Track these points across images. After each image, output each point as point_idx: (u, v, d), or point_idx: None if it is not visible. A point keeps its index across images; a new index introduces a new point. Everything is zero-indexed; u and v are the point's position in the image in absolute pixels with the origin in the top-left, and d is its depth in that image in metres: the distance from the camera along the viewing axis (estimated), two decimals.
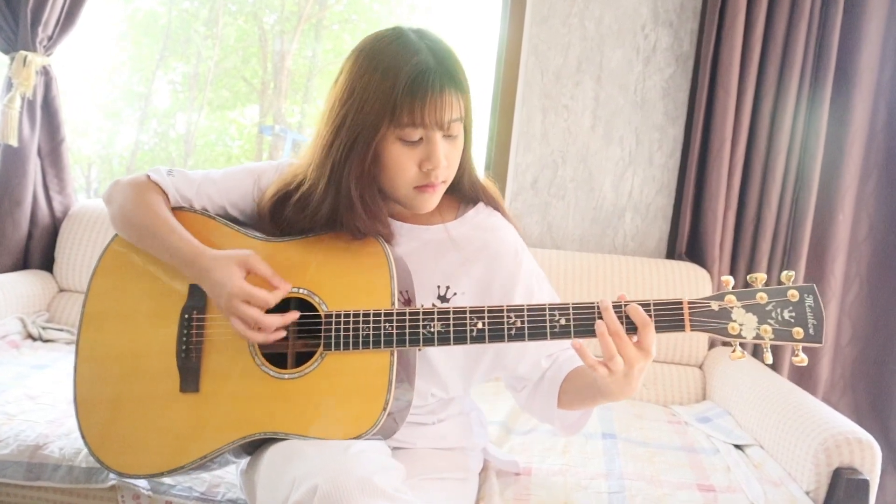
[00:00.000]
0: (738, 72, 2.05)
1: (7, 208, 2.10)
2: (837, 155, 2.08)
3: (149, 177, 1.17)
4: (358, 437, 0.97)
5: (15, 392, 1.53)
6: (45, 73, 2.14)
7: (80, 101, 3.51)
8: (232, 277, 1.01)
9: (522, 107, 2.25)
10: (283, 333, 1.03)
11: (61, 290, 2.17)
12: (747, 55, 2.05)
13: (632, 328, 0.96)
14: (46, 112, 2.17)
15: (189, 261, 1.06)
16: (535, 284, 1.18)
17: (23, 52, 2.06)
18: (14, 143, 2.07)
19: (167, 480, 1.27)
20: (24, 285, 2.04)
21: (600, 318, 0.96)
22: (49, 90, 2.16)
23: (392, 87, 0.97)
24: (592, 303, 0.98)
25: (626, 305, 0.96)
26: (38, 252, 2.19)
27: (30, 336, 1.96)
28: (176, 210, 1.16)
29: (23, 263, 2.18)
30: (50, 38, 2.11)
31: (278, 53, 3.58)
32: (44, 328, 2.00)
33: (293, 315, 1.03)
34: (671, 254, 2.26)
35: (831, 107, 2.06)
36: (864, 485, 1.30)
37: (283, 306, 1.07)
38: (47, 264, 2.19)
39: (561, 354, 1.17)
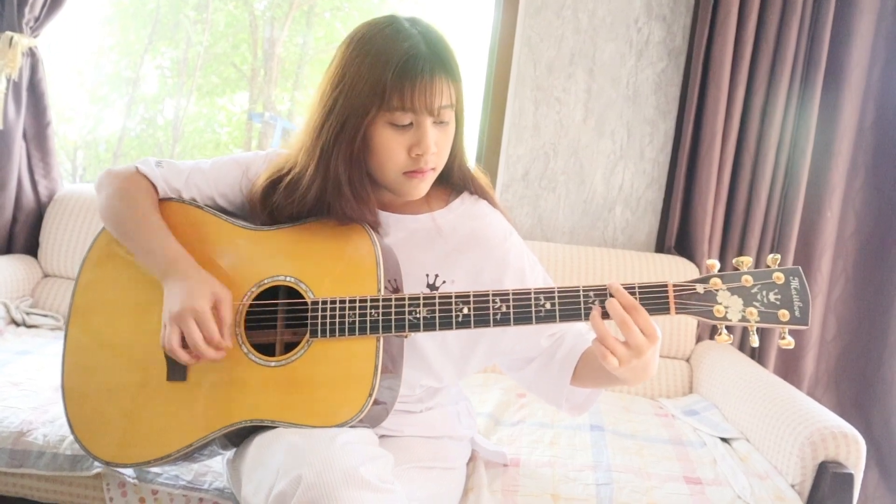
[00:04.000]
0: (730, 68, 2.06)
1: None
2: (826, 152, 2.09)
3: (138, 169, 1.16)
4: (344, 424, 0.97)
5: None
6: (32, 54, 2.11)
7: (66, 85, 3.46)
8: (202, 296, 1.00)
9: (514, 98, 2.25)
10: (193, 362, 1.02)
11: (46, 276, 2.14)
12: (739, 51, 2.06)
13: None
14: (32, 95, 2.13)
15: (168, 259, 1.05)
16: (527, 267, 1.17)
17: (9, 33, 2.02)
18: None
19: (154, 469, 1.26)
20: (7, 270, 2.01)
21: (609, 297, 0.95)
22: (35, 72, 2.13)
23: (382, 70, 0.97)
24: (577, 287, 0.97)
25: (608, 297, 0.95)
26: (23, 237, 2.16)
27: (13, 321, 1.94)
28: (165, 201, 1.15)
29: (6, 248, 2.15)
30: (37, 20, 2.08)
31: (269, 40, 3.55)
32: (27, 313, 1.97)
33: (221, 354, 1.01)
34: (660, 247, 2.27)
35: (821, 104, 2.07)
36: (849, 478, 1.31)
37: (272, 293, 1.07)
38: (32, 249, 2.16)
39: (566, 336, 1.15)
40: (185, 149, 3.67)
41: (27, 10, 2.03)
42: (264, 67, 3.60)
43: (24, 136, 2.14)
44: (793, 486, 1.36)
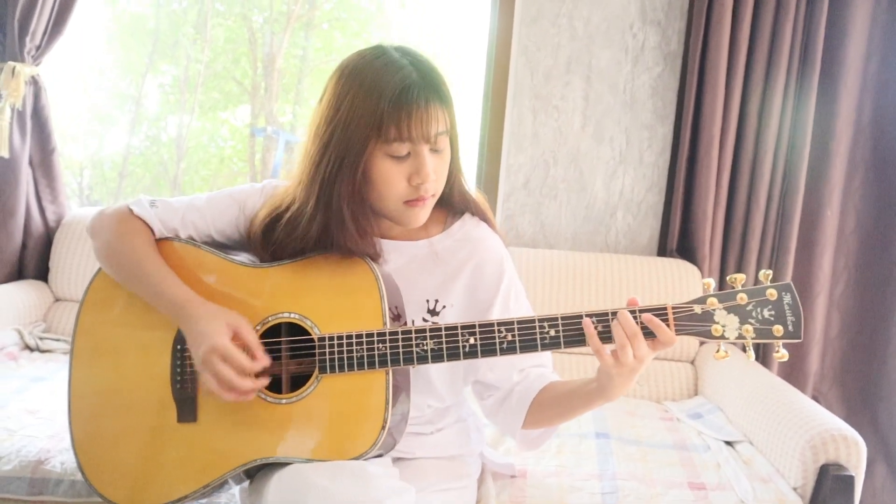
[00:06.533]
0: (726, 70, 2.07)
1: (0, 219, 2.10)
2: (824, 150, 2.10)
3: (131, 211, 1.15)
4: (360, 457, 0.98)
5: (14, 406, 1.55)
6: (35, 82, 2.14)
7: (70, 107, 3.50)
8: (217, 332, 1.00)
9: (513, 108, 2.27)
10: (251, 397, 1.02)
11: (57, 300, 2.18)
12: (734, 53, 2.07)
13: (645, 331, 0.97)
14: (37, 122, 2.17)
15: (178, 305, 1.05)
16: (512, 296, 1.18)
17: (11, 63, 2.05)
18: (5, 154, 2.07)
19: None
20: (19, 296, 2.05)
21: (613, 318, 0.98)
22: (38, 100, 2.16)
23: (377, 103, 0.99)
24: (579, 313, 0.99)
25: (640, 313, 0.98)
26: (33, 262, 2.19)
27: (27, 347, 1.97)
28: (163, 241, 1.15)
29: (18, 274, 2.18)
30: (38, 48, 2.11)
31: (268, 54, 3.58)
32: (41, 338, 2.01)
33: (263, 381, 1.02)
34: (662, 251, 2.29)
35: (818, 103, 2.08)
36: (850, 480, 1.33)
37: (275, 331, 1.08)
38: (42, 274, 2.19)
39: (532, 371, 1.17)
40: (189, 164, 3.71)
41: (28, 39, 2.06)
42: (265, 81, 3.63)
43: (31, 162, 2.17)
44: (795, 489, 1.38)
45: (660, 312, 0.98)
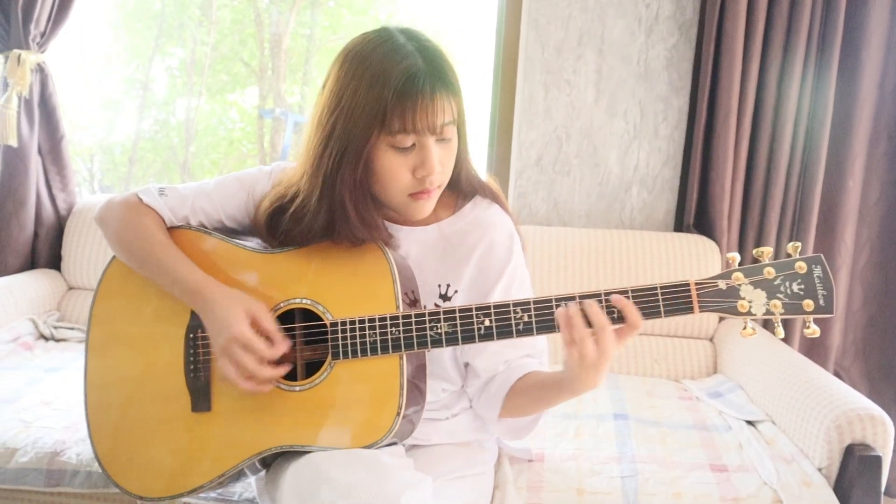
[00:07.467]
0: (743, 38, 2.01)
1: (11, 209, 2.10)
2: (846, 120, 2.04)
3: (141, 200, 1.14)
4: (374, 445, 0.97)
5: (30, 398, 1.55)
6: (41, 70, 2.12)
7: (78, 93, 3.49)
8: (237, 320, 0.98)
9: (524, 83, 2.22)
10: (270, 388, 1.01)
11: (70, 288, 2.18)
12: (752, 20, 2.00)
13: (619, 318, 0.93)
14: (44, 110, 2.15)
15: (193, 291, 1.04)
16: (515, 284, 1.15)
17: (16, 51, 2.03)
18: (14, 143, 2.06)
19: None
20: (33, 285, 2.05)
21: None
22: (45, 87, 2.14)
23: (381, 93, 0.95)
24: (598, 291, 0.96)
25: (631, 295, 0.94)
26: (45, 251, 2.19)
27: (42, 336, 1.98)
28: (174, 229, 1.14)
29: (30, 263, 2.18)
30: (43, 35, 2.09)
31: (275, 34, 3.54)
32: (55, 327, 2.01)
33: (282, 370, 1.00)
34: (679, 226, 2.24)
35: (839, 71, 2.01)
36: (877, 461, 1.30)
37: (288, 317, 1.07)
38: (55, 263, 2.19)
39: (515, 361, 1.14)
40: (199, 148, 3.69)
41: (32, 26, 2.04)
42: (272, 62, 3.59)
43: (40, 151, 2.16)
44: (819, 469, 1.35)
45: (682, 289, 0.94)
